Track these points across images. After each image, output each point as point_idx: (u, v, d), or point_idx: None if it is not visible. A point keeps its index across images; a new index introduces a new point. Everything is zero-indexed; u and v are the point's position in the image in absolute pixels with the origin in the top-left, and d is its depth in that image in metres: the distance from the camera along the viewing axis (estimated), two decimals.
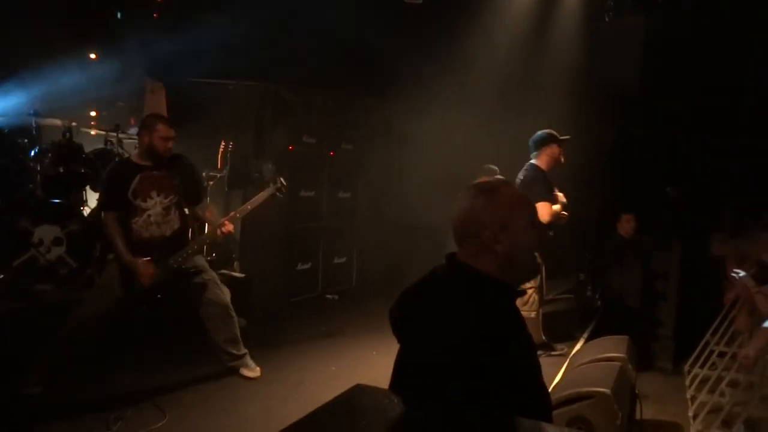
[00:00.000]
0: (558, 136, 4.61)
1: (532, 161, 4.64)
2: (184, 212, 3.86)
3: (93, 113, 6.65)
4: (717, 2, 6.50)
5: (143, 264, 3.54)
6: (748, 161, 6.19)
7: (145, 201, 3.65)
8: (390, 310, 1.60)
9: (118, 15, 7.15)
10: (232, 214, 3.89)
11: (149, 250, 3.63)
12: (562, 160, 4.62)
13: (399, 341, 1.57)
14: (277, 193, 3.98)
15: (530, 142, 4.68)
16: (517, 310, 1.54)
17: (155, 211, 3.67)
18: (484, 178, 6.08)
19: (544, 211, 4.30)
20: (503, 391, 1.30)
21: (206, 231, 3.89)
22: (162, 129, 3.67)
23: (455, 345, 1.34)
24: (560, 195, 4.62)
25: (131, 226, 3.62)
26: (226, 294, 3.95)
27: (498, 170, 6.15)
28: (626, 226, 6.03)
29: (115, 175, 3.71)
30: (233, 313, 3.96)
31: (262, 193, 3.94)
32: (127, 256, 3.53)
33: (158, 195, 3.69)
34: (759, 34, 6.09)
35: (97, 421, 3.21)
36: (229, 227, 3.79)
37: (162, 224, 3.69)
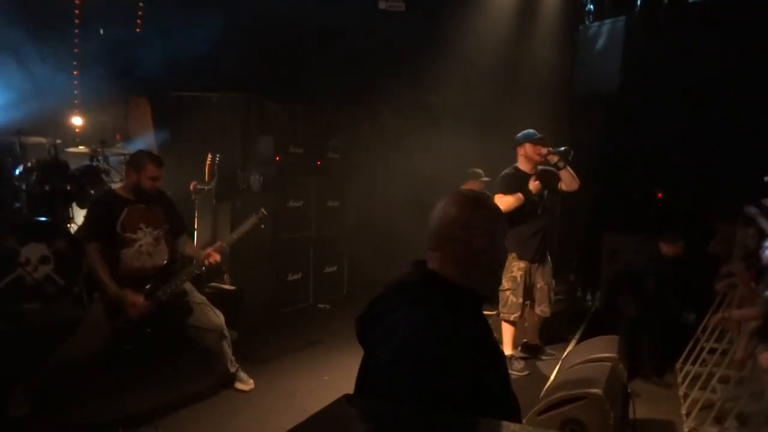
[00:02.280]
0: (531, 135, 4.70)
1: (516, 163, 4.76)
2: (172, 244, 3.85)
3: (77, 130, 6.62)
4: (693, 7, 6.60)
5: (131, 294, 3.46)
6: (729, 160, 6.27)
7: (134, 233, 3.62)
8: (357, 317, 1.60)
9: (101, 31, 7.14)
10: (218, 244, 3.92)
11: (141, 280, 3.58)
12: (542, 156, 4.67)
13: (363, 348, 1.57)
14: (260, 224, 3.96)
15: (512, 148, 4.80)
16: (482, 316, 1.55)
17: (146, 241, 3.66)
18: (470, 182, 6.12)
19: (500, 202, 4.41)
20: (465, 397, 1.28)
21: (195, 262, 3.85)
22: (151, 169, 3.63)
23: (412, 348, 1.33)
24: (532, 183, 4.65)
25: (120, 257, 3.57)
26: (219, 317, 3.90)
27: (483, 173, 6.19)
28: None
29: (101, 206, 3.71)
30: (227, 334, 3.95)
31: (245, 223, 3.94)
32: (113, 287, 3.46)
33: (147, 227, 3.68)
34: (735, 36, 6.19)
35: None
36: (216, 257, 3.80)
37: (154, 254, 3.68)
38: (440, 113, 7.06)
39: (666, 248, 5.68)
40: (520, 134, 4.74)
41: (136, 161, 3.68)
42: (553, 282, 4.91)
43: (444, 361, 1.31)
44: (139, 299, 3.48)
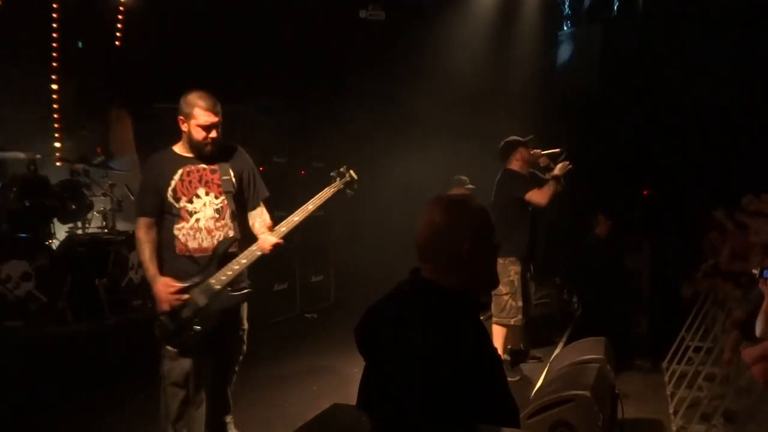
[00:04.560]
0: (521, 139, 4.70)
1: (507, 167, 4.71)
2: (239, 219, 3.03)
3: (57, 144, 6.55)
4: (665, 14, 6.72)
5: (162, 282, 2.76)
6: (709, 160, 6.39)
7: (191, 202, 2.88)
8: (355, 328, 1.58)
9: (80, 44, 7.08)
10: (275, 227, 3.02)
11: (199, 264, 2.87)
12: (539, 157, 4.69)
13: (365, 359, 1.56)
14: (348, 189, 3.11)
15: (499, 154, 4.75)
16: (481, 324, 1.55)
17: (205, 214, 2.89)
18: (455, 190, 6.14)
19: (538, 197, 4.43)
20: (468, 407, 1.30)
21: (256, 244, 2.95)
22: (200, 115, 2.83)
23: (419, 361, 1.34)
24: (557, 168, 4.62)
25: (174, 234, 2.86)
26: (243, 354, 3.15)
27: (468, 180, 6.21)
28: (603, 226, 6.13)
29: (151, 171, 2.93)
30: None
31: (321, 193, 3.09)
32: (151, 269, 2.81)
33: (207, 194, 2.91)
34: (712, 38, 6.31)
35: None
36: (277, 241, 2.94)
37: (214, 231, 2.90)
38: (424, 121, 7.10)
39: (598, 228, 5.88)
40: (508, 141, 4.71)
41: (184, 106, 2.87)
42: (534, 284, 4.96)
43: (448, 372, 1.31)
44: (168, 289, 2.74)
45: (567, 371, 3.18)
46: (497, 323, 4.62)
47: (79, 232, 5.43)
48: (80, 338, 4.56)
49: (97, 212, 5.65)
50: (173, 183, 2.86)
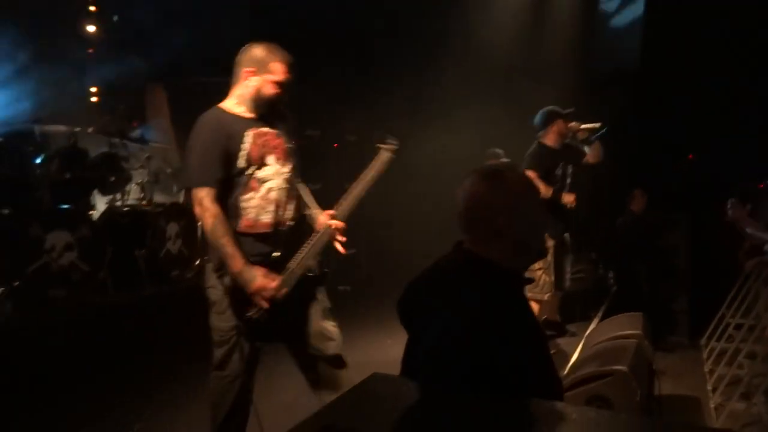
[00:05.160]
0: (561, 111, 4.60)
1: (540, 139, 4.64)
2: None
3: (95, 118, 6.67)
4: None
5: (262, 276, 2.34)
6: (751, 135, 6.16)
7: (261, 169, 2.48)
8: (397, 301, 1.59)
9: (115, 19, 7.15)
10: (342, 203, 2.64)
11: (266, 244, 2.48)
12: (578, 131, 4.60)
13: (407, 332, 1.56)
14: (392, 155, 2.77)
15: (535, 122, 4.67)
16: (524, 298, 1.53)
17: (277, 182, 2.51)
18: (489, 162, 6.07)
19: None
20: (510, 378, 1.29)
21: (317, 226, 2.62)
22: (277, 70, 2.48)
23: (459, 333, 1.33)
24: (567, 197, 4.58)
25: (240, 207, 2.45)
26: (339, 336, 2.78)
27: (503, 153, 6.12)
28: (638, 201, 5.99)
29: (217, 131, 2.44)
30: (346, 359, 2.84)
31: (372, 165, 2.70)
32: (239, 261, 2.33)
33: (277, 161, 2.53)
34: (758, 11, 6.03)
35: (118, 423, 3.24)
36: (339, 224, 2.63)
37: (285, 204, 2.53)
38: (458, 93, 6.99)
39: (634, 204, 5.74)
40: (547, 109, 4.62)
41: (257, 57, 2.49)
42: (572, 257, 4.89)
43: (488, 345, 1.30)
44: (272, 284, 2.35)
45: (604, 346, 3.14)
46: (531, 298, 4.60)
47: (118, 204, 5.55)
48: (121, 308, 4.69)
49: (136, 184, 5.76)
50: (246, 145, 2.44)
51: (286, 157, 2.56)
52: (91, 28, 6.96)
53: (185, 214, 5.55)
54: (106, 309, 4.62)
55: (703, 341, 4.89)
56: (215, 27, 6.00)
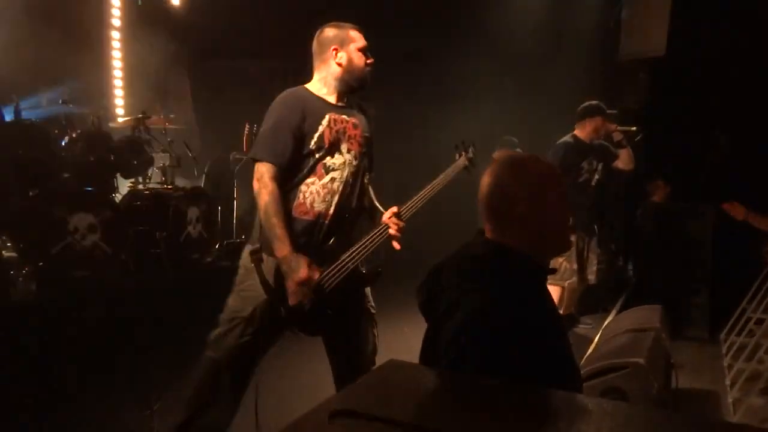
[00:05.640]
0: (604, 108, 4.57)
1: (575, 131, 4.64)
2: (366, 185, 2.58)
3: (119, 101, 6.74)
4: None
5: (306, 266, 2.21)
6: None
7: (331, 155, 2.39)
8: (417, 287, 1.59)
9: (139, 2, 7.20)
10: (401, 209, 2.50)
11: (318, 232, 2.38)
12: (614, 132, 4.59)
13: (426, 319, 1.57)
14: (470, 165, 2.77)
15: (578, 111, 4.66)
16: (542, 286, 1.53)
17: (342, 174, 2.41)
18: (503, 150, 6.02)
19: None
20: (529, 367, 1.29)
21: (376, 222, 2.52)
22: (357, 37, 2.45)
23: (477, 321, 1.34)
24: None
25: (300, 190, 2.36)
26: (377, 337, 2.65)
27: (518, 142, 6.07)
28: (661, 192, 5.92)
29: (295, 108, 2.36)
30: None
31: (443, 175, 2.65)
32: (286, 246, 2.22)
33: (348, 151, 2.44)
34: None
35: (138, 402, 3.30)
36: (399, 224, 2.49)
37: (347, 196, 2.44)
38: (483, 82, 6.93)
39: (656, 194, 5.66)
40: (592, 104, 4.61)
41: (330, 35, 2.45)
42: (599, 251, 4.87)
43: (508, 335, 1.31)
44: (315, 275, 2.24)
45: (621, 338, 3.13)
46: (550, 283, 4.61)
47: (141, 187, 5.63)
48: (142, 289, 4.77)
49: (157, 168, 5.83)
50: (321, 128, 2.35)
51: (359, 149, 2.47)
52: (116, 11, 7.02)
53: (206, 198, 5.61)
54: (127, 290, 4.70)
55: (722, 336, 4.83)
56: (239, 11, 6.00)
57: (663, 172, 6.10)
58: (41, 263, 4.38)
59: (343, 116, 2.44)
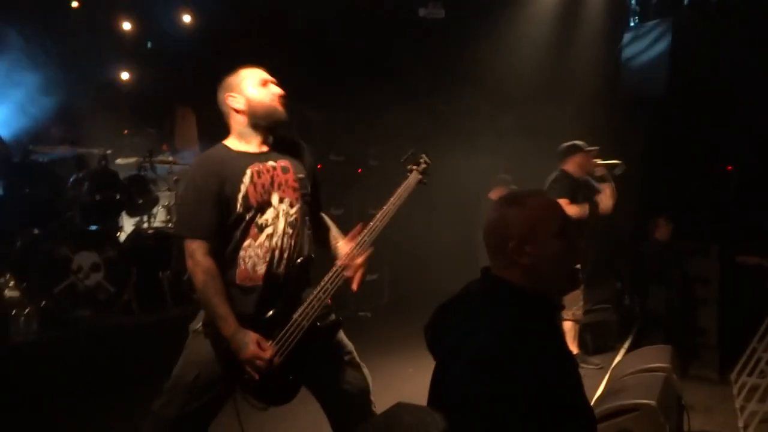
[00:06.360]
0: (582, 146, 4.58)
1: (561, 167, 4.64)
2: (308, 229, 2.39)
3: (126, 141, 6.83)
4: (743, 5, 6.42)
5: (255, 343, 2.07)
6: None
7: (262, 212, 2.21)
8: (425, 326, 1.58)
9: (149, 44, 7.35)
10: (362, 230, 2.33)
11: (266, 296, 2.21)
12: (597, 167, 4.59)
13: (434, 358, 1.55)
14: (424, 179, 2.58)
15: (557, 154, 4.70)
16: (554, 324, 1.51)
17: (277, 228, 2.23)
18: (499, 189, 6.05)
19: (570, 209, 4.29)
20: (539, 406, 1.27)
21: (337, 264, 2.33)
22: (253, 73, 2.30)
23: (489, 359, 1.32)
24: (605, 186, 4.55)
25: (237, 256, 2.20)
26: (367, 374, 2.47)
27: (511, 179, 6.12)
28: (663, 230, 5.90)
29: (210, 175, 2.18)
30: (374, 405, 2.45)
31: (400, 189, 2.47)
32: (231, 325, 2.09)
33: (281, 201, 2.24)
34: None
35: None
36: (358, 262, 2.33)
37: (287, 250, 2.25)
38: (481, 121, 7.01)
39: (658, 232, 5.63)
40: (567, 145, 4.63)
41: (226, 84, 2.30)
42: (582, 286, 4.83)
43: (512, 378, 1.29)
44: (265, 354, 2.07)
45: (631, 379, 3.07)
46: None
47: (145, 225, 5.64)
48: (145, 329, 4.73)
49: (162, 207, 5.85)
50: (243, 187, 2.17)
51: (294, 193, 2.27)
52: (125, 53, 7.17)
53: None
54: (130, 329, 4.66)
55: (733, 376, 4.75)
56: (244, 50, 6.12)
57: (664, 209, 6.11)
58: (44, 302, 4.35)
59: (269, 163, 2.25)
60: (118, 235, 5.31)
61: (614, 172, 4.57)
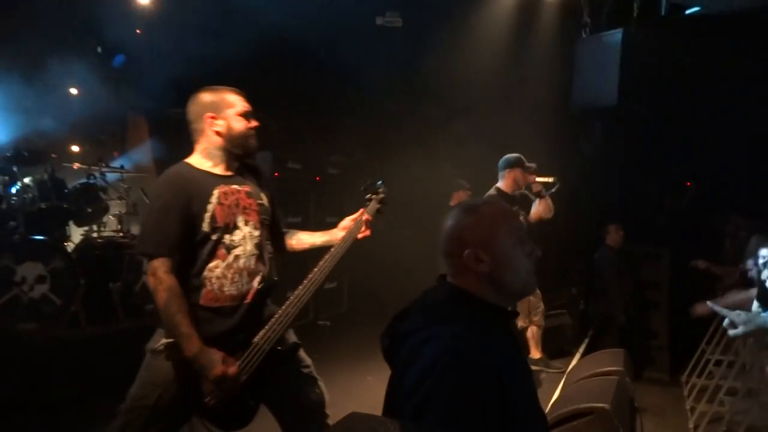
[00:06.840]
0: (525, 162, 4.67)
1: (498, 184, 4.74)
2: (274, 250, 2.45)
3: (75, 149, 6.59)
4: (690, 19, 6.66)
5: (219, 363, 2.06)
6: (732, 168, 6.30)
7: (229, 233, 2.22)
8: (381, 334, 1.57)
9: (99, 50, 7.14)
10: (321, 264, 2.40)
11: (234, 320, 2.20)
12: (533, 183, 4.69)
13: (390, 365, 1.53)
14: (380, 207, 2.73)
15: (498, 163, 4.77)
16: (509, 331, 1.51)
17: (245, 249, 2.24)
18: (458, 194, 6.15)
19: None
20: (493, 416, 1.26)
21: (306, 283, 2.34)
22: (236, 102, 2.29)
23: (441, 367, 1.31)
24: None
25: (204, 277, 2.18)
26: (323, 388, 2.51)
27: (467, 185, 6.21)
28: (614, 236, 6.04)
29: (177, 191, 2.17)
30: (329, 417, 2.47)
31: (356, 216, 2.62)
32: (195, 344, 2.06)
33: (246, 224, 2.26)
34: (734, 46, 6.23)
35: None
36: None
37: (254, 272, 2.26)
38: (438, 129, 7.06)
39: (609, 239, 5.81)
40: (511, 157, 4.71)
41: (206, 102, 2.28)
42: (538, 292, 4.91)
43: (468, 385, 1.28)
44: (232, 369, 2.07)
45: (585, 383, 3.11)
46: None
47: (95, 235, 5.45)
48: (93, 342, 4.56)
49: (113, 216, 5.67)
50: (211, 207, 2.17)
51: (257, 217, 2.30)
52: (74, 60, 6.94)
53: None
54: (78, 343, 4.49)
55: (684, 377, 4.88)
56: (197, 58, 6.01)
57: (616, 216, 6.26)
58: None
59: (234, 186, 2.27)
60: (65, 245, 5.11)
61: (550, 190, 4.69)
